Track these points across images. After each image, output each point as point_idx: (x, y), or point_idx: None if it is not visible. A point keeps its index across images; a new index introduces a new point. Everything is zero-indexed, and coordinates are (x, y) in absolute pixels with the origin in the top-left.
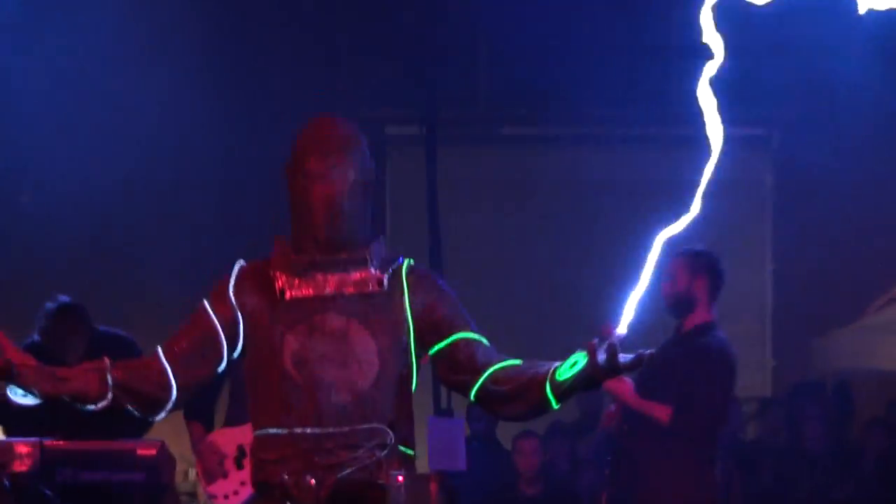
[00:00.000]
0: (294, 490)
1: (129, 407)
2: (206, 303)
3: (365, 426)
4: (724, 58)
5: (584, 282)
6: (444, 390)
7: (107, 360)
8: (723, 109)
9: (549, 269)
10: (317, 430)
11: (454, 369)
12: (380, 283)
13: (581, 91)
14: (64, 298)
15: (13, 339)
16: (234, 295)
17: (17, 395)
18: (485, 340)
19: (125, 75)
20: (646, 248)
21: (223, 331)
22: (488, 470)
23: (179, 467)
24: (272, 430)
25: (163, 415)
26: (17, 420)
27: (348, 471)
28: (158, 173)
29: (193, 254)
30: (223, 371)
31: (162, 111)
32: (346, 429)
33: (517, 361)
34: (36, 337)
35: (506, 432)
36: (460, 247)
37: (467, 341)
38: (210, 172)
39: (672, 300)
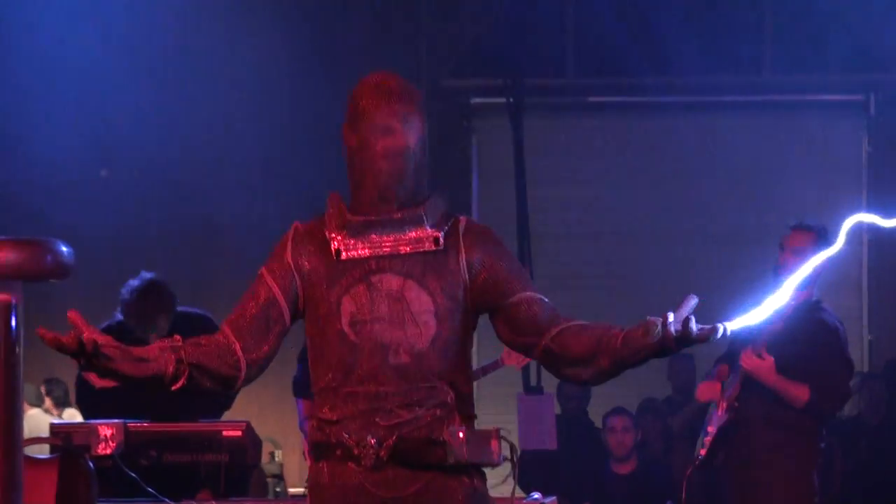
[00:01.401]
0: (355, 449)
1: (204, 386)
2: (265, 271)
3: (424, 385)
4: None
5: (674, 251)
6: (533, 368)
7: (179, 339)
8: (818, 75)
9: (637, 239)
10: (377, 390)
11: (516, 330)
12: (436, 241)
13: (670, 58)
14: (148, 275)
15: (95, 312)
16: (292, 259)
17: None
18: (546, 300)
19: (203, 54)
20: (738, 216)
21: (284, 299)
22: (579, 448)
23: (265, 448)
24: (331, 391)
25: (234, 391)
26: (99, 402)
27: (409, 429)
28: (238, 146)
29: (281, 224)
30: None
31: (241, 85)
32: (405, 388)
33: (583, 323)
34: (118, 316)
35: (597, 410)
36: (548, 217)
37: (529, 301)
38: (291, 145)
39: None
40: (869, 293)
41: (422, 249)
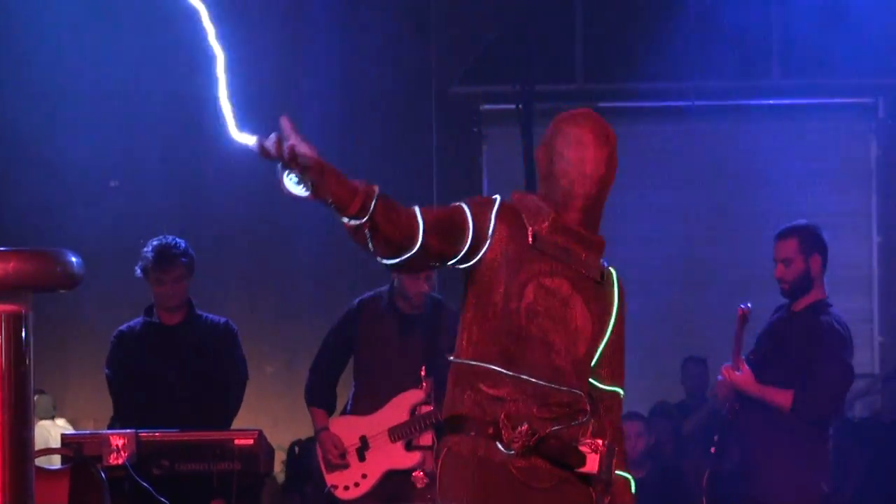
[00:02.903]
0: (506, 433)
1: (370, 242)
2: (465, 205)
3: (576, 390)
4: (828, 28)
5: (684, 255)
6: None
7: (377, 188)
8: (827, 78)
9: (647, 243)
10: (540, 382)
11: None
12: (601, 275)
13: (679, 63)
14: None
15: (106, 322)
16: (495, 219)
17: (292, 183)
18: (622, 396)
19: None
20: (746, 220)
21: (472, 236)
22: None
23: (277, 457)
24: (497, 368)
25: (393, 261)
26: (128, 401)
27: (559, 427)
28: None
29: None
30: (347, 357)
31: (255, 93)
32: (562, 388)
33: (618, 475)
34: (138, 271)
35: None
36: None
37: (609, 406)
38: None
39: (790, 285)
40: (879, 295)
41: (591, 276)
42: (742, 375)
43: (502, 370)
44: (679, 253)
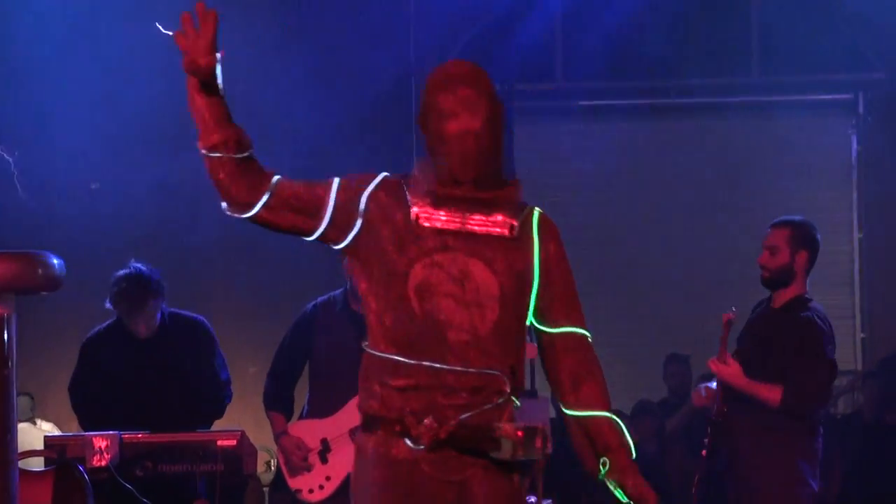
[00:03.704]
0: (413, 429)
1: (219, 177)
2: (336, 181)
3: (486, 371)
4: (807, 24)
5: (665, 252)
6: (527, 373)
7: (246, 138)
8: (807, 75)
9: (629, 245)
10: (443, 367)
11: (551, 369)
12: (511, 228)
13: (659, 61)
14: (136, 264)
15: (87, 325)
16: (368, 197)
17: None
18: (587, 336)
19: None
20: (727, 217)
21: (331, 212)
22: (574, 452)
23: (260, 458)
24: (398, 358)
25: (234, 213)
26: (94, 411)
27: (468, 414)
28: None
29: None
30: (304, 361)
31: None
32: (470, 370)
33: (595, 415)
34: (108, 305)
35: None
36: None
37: (568, 346)
38: (281, 150)
39: (771, 273)
40: (861, 291)
41: (496, 234)
42: (730, 368)
43: (403, 359)
44: (660, 250)
